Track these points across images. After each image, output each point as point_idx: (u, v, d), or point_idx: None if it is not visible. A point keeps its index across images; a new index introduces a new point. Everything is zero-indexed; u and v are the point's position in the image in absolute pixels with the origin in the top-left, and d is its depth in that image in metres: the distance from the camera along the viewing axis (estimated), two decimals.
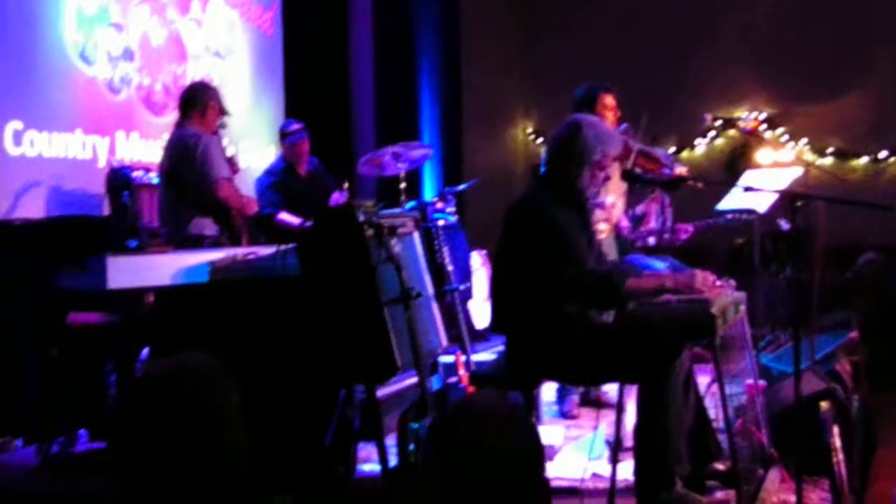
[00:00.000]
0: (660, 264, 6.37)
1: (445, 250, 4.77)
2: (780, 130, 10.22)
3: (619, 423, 3.71)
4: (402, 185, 6.09)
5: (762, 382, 4.80)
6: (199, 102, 5.09)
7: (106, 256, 3.78)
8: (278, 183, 6.39)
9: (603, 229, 4.85)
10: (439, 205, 5.99)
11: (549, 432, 4.83)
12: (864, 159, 9.94)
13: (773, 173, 5.85)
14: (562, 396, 5.36)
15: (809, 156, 10.11)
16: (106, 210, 5.67)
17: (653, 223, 6.88)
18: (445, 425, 1.56)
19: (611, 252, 5.25)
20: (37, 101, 5.57)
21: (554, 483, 3.75)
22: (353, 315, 3.77)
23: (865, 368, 2.30)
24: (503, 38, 10.12)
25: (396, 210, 4.32)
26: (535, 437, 1.58)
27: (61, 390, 4.57)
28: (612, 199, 4.57)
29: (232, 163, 5.21)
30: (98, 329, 4.53)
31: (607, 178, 3.80)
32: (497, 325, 3.85)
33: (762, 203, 5.45)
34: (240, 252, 4.15)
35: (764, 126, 10.23)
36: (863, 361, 2.28)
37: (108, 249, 4.73)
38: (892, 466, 2.29)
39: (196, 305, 3.93)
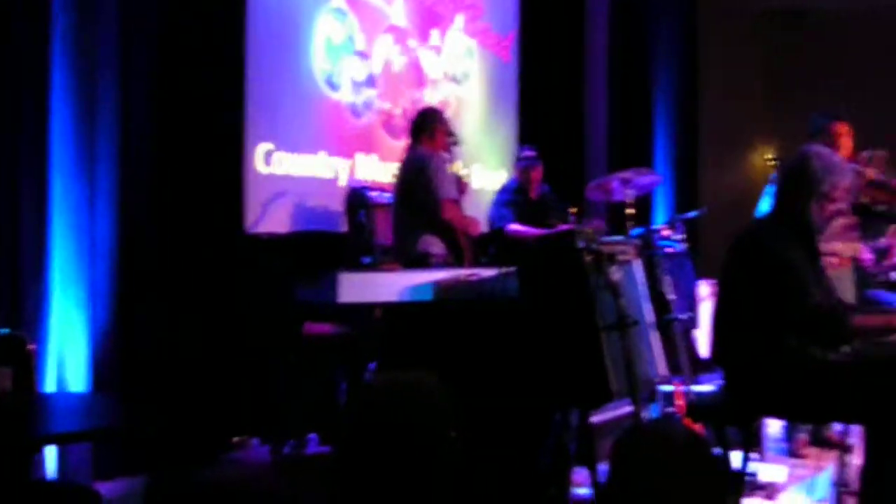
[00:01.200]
0: None
1: (667, 279, 4.71)
2: None
3: (842, 464, 3.56)
4: (630, 210, 6.06)
5: None
6: (427, 127, 5.31)
7: (338, 272, 4.01)
8: (511, 201, 6.57)
9: (834, 262, 4.71)
10: (666, 232, 5.91)
11: (773, 470, 4.69)
12: None
13: None
14: (789, 434, 5.18)
15: None
16: (344, 227, 5.98)
17: None
18: (627, 445, 1.59)
19: (845, 287, 5.07)
20: (286, 125, 5.97)
21: None
22: (570, 340, 3.83)
23: None
24: (742, 60, 9.88)
25: (618, 237, 4.33)
26: (717, 466, 1.58)
27: (296, 395, 4.88)
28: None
29: (461, 184, 5.40)
30: (331, 339, 4.81)
31: (838, 212, 3.68)
32: (717, 356, 3.79)
33: None
34: (463, 273, 4.29)
35: None
36: None
37: (344, 265, 5.05)
38: None
39: (420, 322, 4.10)
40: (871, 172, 4.92)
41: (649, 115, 8.69)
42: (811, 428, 5.11)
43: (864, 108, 9.39)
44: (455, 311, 4.10)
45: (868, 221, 5.14)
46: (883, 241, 6.49)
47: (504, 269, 4.19)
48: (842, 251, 5.05)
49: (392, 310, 4.16)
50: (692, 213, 6.66)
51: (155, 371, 4.66)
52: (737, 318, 3.62)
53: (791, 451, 5.13)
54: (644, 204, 8.20)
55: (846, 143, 4.99)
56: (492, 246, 6.17)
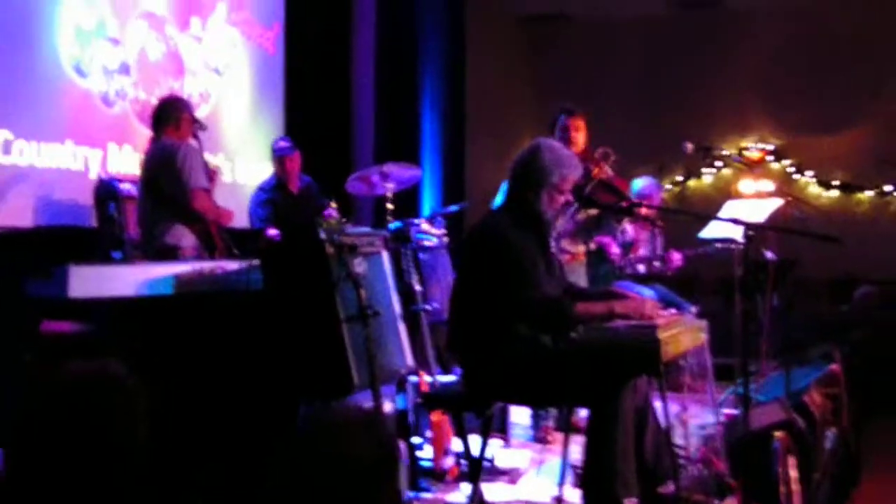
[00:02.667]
0: (648, 292, 6.42)
1: (414, 271, 4.77)
2: (786, 162, 10.22)
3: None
4: (390, 205, 6.11)
5: (734, 411, 4.80)
6: (171, 116, 5.16)
7: (69, 265, 3.83)
8: (269, 199, 6.45)
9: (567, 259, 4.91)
10: (425, 226, 5.99)
11: (516, 456, 4.85)
12: (870, 192, 9.91)
13: (754, 204, 5.83)
14: (536, 421, 5.37)
15: (815, 188, 10.11)
16: (94, 221, 5.72)
17: (643, 250, 6.89)
18: (294, 437, 1.59)
19: (579, 279, 5.30)
20: (28, 112, 5.65)
21: None
22: (312, 331, 3.81)
23: None
24: (509, 58, 10.19)
25: (363, 229, 4.34)
26: (386, 447, 1.60)
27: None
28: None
29: (212, 174, 5.27)
30: (69, 338, 4.57)
31: (567, 202, 3.83)
32: (453, 344, 3.87)
33: (739, 233, 5.43)
34: (206, 265, 4.19)
35: (770, 157, 10.24)
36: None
37: (92, 260, 4.83)
38: (875, 497, 2.30)
39: (159, 317, 3.97)
40: (602, 171, 5.15)
41: (416, 108, 8.81)
42: (557, 414, 5.30)
43: (627, 112, 9.94)
44: (195, 304, 3.99)
45: (598, 219, 5.40)
46: (630, 235, 6.85)
47: (248, 261, 4.12)
48: (571, 248, 5.30)
49: (129, 305, 3.99)
50: (453, 208, 6.78)
51: None
52: (471, 306, 3.71)
53: (537, 437, 5.31)
54: (412, 197, 8.32)
55: (578, 137, 5.21)
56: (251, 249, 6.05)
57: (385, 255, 4.33)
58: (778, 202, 5.77)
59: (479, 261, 3.73)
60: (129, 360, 4.00)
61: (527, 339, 3.61)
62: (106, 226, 5.57)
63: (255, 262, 4.04)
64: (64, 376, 1.95)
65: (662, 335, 3.39)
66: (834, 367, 5.82)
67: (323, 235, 3.78)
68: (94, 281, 3.93)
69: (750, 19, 10.04)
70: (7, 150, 5.51)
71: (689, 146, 5.46)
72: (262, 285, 3.93)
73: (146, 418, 1.96)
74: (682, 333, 3.65)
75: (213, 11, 7.16)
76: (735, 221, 4.34)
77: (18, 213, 5.56)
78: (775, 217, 6.10)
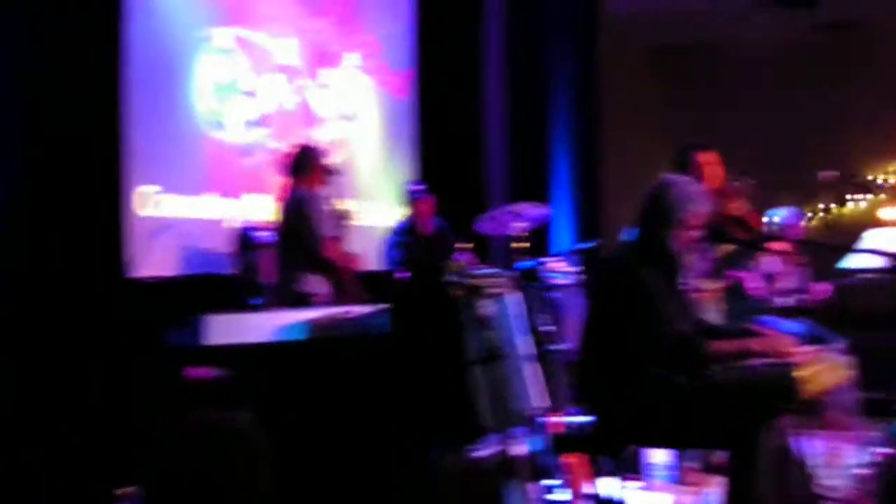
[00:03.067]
0: (793, 327, 6.17)
1: (544, 310, 4.72)
2: None
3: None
4: (520, 244, 6.10)
5: (889, 451, 4.54)
6: (303, 165, 5.29)
7: (204, 315, 3.94)
8: (401, 242, 6.53)
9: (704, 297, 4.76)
10: (557, 264, 5.94)
11: (655, 498, 4.69)
12: None
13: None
14: (678, 462, 5.20)
15: None
16: (232, 269, 5.89)
17: (786, 283, 6.63)
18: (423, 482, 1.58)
19: (716, 316, 5.12)
20: (169, 166, 5.88)
21: None
22: (440, 374, 3.80)
23: None
24: (644, 91, 10.06)
25: (491, 270, 4.32)
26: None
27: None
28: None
29: (343, 217, 5.37)
30: (209, 384, 4.70)
31: (698, 238, 3.71)
32: (583, 385, 3.79)
33: (881, 262, 5.17)
34: (337, 310, 4.24)
35: None
36: None
37: (232, 307, 4.97)
38: None
39: (291, 362, 4.03)
40: (733, 207, 4.98)
41: (549, 145, 8.77)
42: (699, 455, 5.13)
43: (766, 143, 9.68)
44: (327, 348, 4.04)
45: (733, 255, 5.21)
46: (770, 268, 6.60)
47: (378, 305, 4.16)
48: (708, 286, 5.11)
49: (261, 350, 4.08)
50: (586, 245, 6.71)
51: (26, 422, 4.50)
52: (601, 345, 3.63)
53: (679, 478, 5.14)
54: (545, 236, 8.28)
55: (712, 171, 5.04)
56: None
57: (514, 296, 4.29)
58: None
59: (608, 298, 3.66)
60: (262, 405, 4.09)
61: (660, 378, 3.50)
62: (245, 273, 5.75)
63: (385, 306, 4.06)
64: (191, 425, 2.00)
65: (800, 372, 3.24)
66: None
67: (449, 278, 3.78)
68: (227, 328, 4.03)
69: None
70: (153, 204, 5.74)
71: (829, 174, 5.24)
72: (390, 329, 3.94)
73: (269, 468, 1.99)
74: (824, 370, 3.47)
75: (345, 60, 7.33)
76: (872, 252, 4.12)
77: (164, 264, 5.78)
78: None
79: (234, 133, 6.36)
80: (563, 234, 8.79)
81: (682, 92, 10.39)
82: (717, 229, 3.94)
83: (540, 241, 7.89)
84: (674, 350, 3.49)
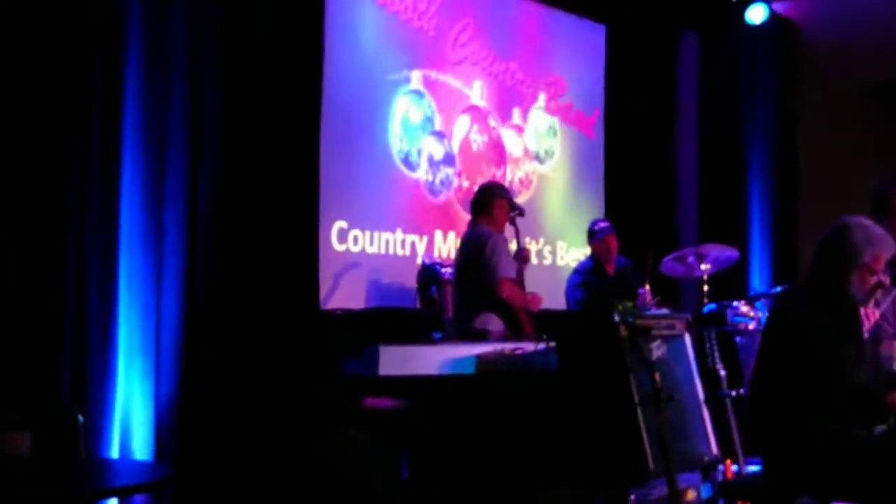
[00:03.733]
0: None
1: (718, 354, 4.61)
2: None
3: None
4: (706, 286, 5.99)
5: None
6: (486, 202, 5.37)
7: (379, 346, 4.09)
8: (584, 282, 6.52)
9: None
10: (744, 308, 5.78)
11: None
12: None
13: None
14: None
15: None
16: (418, 304, 6.07)
17: None
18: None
19: None
20: (362, 203, 6.14)
21: None
22: (606, 415, 3.79)
23: None
24: (847, 128, 9.63)
25: (663, 311, 4.27)
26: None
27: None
28: None
29: (524, 252, 5.43)
30: (388, 414, 4.85)
31: (879, 284, 3.56)
32: (754, 431, 3.68)
33: None
34: (507, 346, 4.30)
35: None
36: None
37: (415, 340, 5.13)
38: None
39: (457, 396, 4.12)
40: None
41: (743, 185, 8.54)
42: None
43: None
44: (492, 383, 4.11)
45: None
46: None
47: (547, 343, 4.19)
48: None
49: (432, 382, 4.19)
50: (776, 289, 6.49)
51: (216, 445, 4.79)
52: (771, 391, 3.53)
53: None
54: (738, 278, 8.05)
55: None
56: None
57: (687, 339, 4.23)
58: None
59: (780, 343, 3.56)
60: (431, 436, 4.20)
61: (836, 430, 3.36)
62: (428, 308, 5.91)
63: (553, 343, 4.09)
64: (317, 446, 2.10)
65: None
66: None
67: (616, 318, 3.77)
68: (401, 360, 4.16)
69: None
70: (342, 239, 6.01)
71: None
72: (557, 367, 3.97)
73: (387, 487, 2.04)
74: None
75: (535, 101, 7.44)
76: None
77: (351, 297, 6.03)
78: None
79: (424, 171, 6.57)
80: (759, 278, 8.53)
81: (888, 132, 9.89)
82: None
83: (734, 283, 7.70)
84: (850, 400, 3.35)
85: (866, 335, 4.96)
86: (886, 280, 3.61)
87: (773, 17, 8.30)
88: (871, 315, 5.61)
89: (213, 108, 5.09)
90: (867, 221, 3.67)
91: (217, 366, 4.94)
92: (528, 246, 5.84)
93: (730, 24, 8.19)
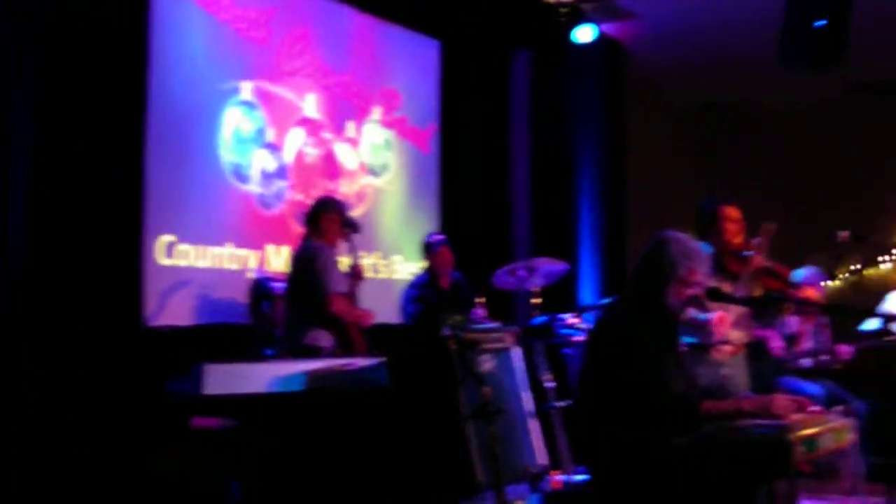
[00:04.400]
0: (814, 388, 6.06)
1: (546, 366, 4.68)
2: None
3: None
4: (536, 299, 6.08)
5: None
6: (315, 217, 5.31)
7: (203, 364, 3.96)
8: (419, 296, 6.52)
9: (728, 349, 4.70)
10: (572, 320, 5.91)
11: None
12: None
13: None
14: None
15: None
16: (249, 319, 5.93)
17: (807, 343, 6.53)
18: None
19: (739, 372, 5.05)
20: (191, 216, 5.96)
21: None
22: (436, 428, 3.78)
23: None
24: (673, 148, 10.04)
25: (493, 325, 4.31)
26: None
27: (181, 493, 4.75)
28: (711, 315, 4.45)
29: (356, 270, 5.38)
30: (216, 434, 4.71)
31: (695, 295, 3.68)
32: (578, 443, 3.74)
33: None
34: (337, 362, 4.24)
35: None
36: None
37: (245, 357, 5.00)
38: None
39: (286, 413, 4.03)
40: (761, 260, 4.91)
41: (574, 201, 8.76)
42: None
43: (804, 202, 9.62)
44: (322, 400, 4.04)
45: (761, 308, 5.13)
46: (793, 328, 6.51)
47: (379, 358, 4.16)
48: (735, 339, 5.02)
49: (260, 401, 4.09)
50: (604, 301, 6.66)
51: (26, 468, 4.54)
52: (595, 403, 3.59)
53: None
54: (569, 291, 8.24)
55: (734, 227, 5.00)
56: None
57: (516, 351, 4.28)
58: None
59: (603, 355, 3.62)
60: (263, 455, 4.10)
61: (652, 438, 3.45)
62: (260, 324, 5.79)
63: (384, 359, 4.06)
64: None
65: (795, 435, 3.18)
66: None
67: (446, 332, 3.77)
68: (227, 378, 4.05)
69: None
70: (170, 254, 5.81)
71: (844, 234, 5.18)
72: (388, 382, 3.94)
73: None
74: (823, 433, 3.40)
75: (369, 115, 7.42)
76: (864, 313, 4.05)
77: (180, 313, 5.83)
78: None
79: (257, 184, 6.44)
80: (588, 291, 8.76)
81: (708, 152, 10.37)
82: (716, 289, 3.90)
83: (565, 296, 7.87)
84: (667, 409, 3.44)
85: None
86: (699, 293, 3.72)
87: (602, 38, 8.54)
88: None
89: (26, 112, 4.84)
90: (684, 236, 3.78)
91: (28, 385, 4.68)
92: (362, 260, 5.78)
93: (560, 43, 8.37)
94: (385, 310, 6.32)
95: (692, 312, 4.78)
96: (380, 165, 7.50)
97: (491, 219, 8.26)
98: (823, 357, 6.43)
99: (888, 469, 4.51)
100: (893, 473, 4.94)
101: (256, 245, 6.41)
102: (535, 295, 6.14)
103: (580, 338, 5.81)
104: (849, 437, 3.65)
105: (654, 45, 9.07)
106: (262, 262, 6.40)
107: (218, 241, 6.15)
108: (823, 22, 7.10)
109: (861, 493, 3.68)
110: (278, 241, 6.55)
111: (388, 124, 7.55)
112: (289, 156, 6.72)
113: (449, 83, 7.99)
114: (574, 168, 8.82)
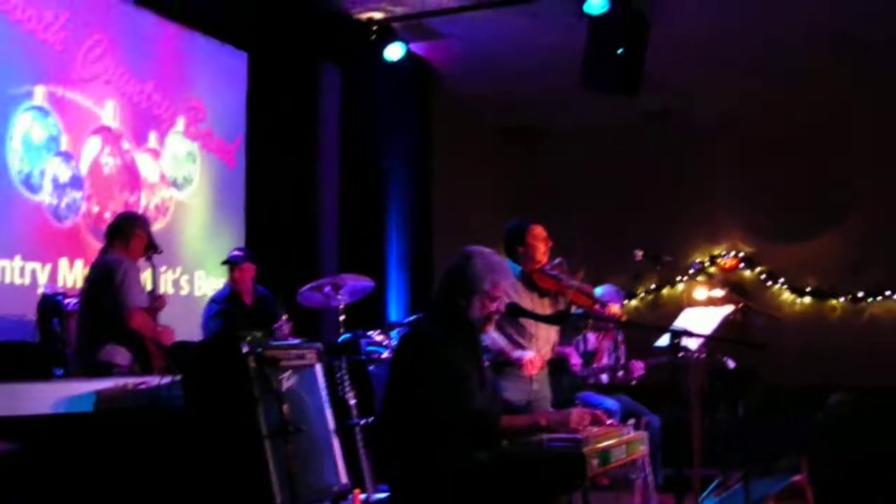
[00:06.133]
0: (611, 402, 6.27)
1: (348, 383, 4.63)
2: (758, 269, 10.17)
3: None
4: (342, 316, 6.02)
5: None
6: (123, 231, 5.10)
7: None
8: (221, 311, 6.35)
9: (535, 363, 4.79)
10: (379, 337, 5.88)
11: None
12: (843, 299, 9.83)
13: (706, 312, 5.74)
14: None
15: (788, 295, 10.03)
16: (37, 337, 5.60)
17: (605, 360, 6.76)
18: None
19: (545, 387, 5.16)
20: None
21: None
22: (233, 448, 3.67)
23: None
24: (478, 168, 10.21)
25: (294, 342, 4.22)
26: None
27: None
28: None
29: (158, 300, 5.18)
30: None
31: (498, 311, 3.73)
32: (381, 459, 3.72)
33: (693, 342, 5.32)
34: (131, 381, 4.06)
35: (742, 265, 10.20)
36: None
37: (34, 376, 4.70)
38: None
39: (74, 436, 3.82)
40: (568, 278, 5.04)
41: (383, 219, 8.79)
42: None
43: (597, 221, 9.96)
44: (113, 421, 3.85)
45: (564, 324, 5.26)
46: (591, 344, 6.73)
47: (174, 376, 4.00)
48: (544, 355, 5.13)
49: (45, 423, 3.85)
50: (410, 318, 6.67)
51: None
52: (398, 419, 3.57)
53: None
54: (377, 308, 8.24)
55: (542, 245, 5.12)
56: None
57: (319, 369, 4.21)
58: (727, 309, 5.67)
59: (406, 372, 3.60)
60: (48, 479, 3.86)
61: (453, 454, 3.45)
62: (48, 341, 5.48)
63: (180, 377, 3.91)
64: None
65: (589, 448, 3.25)
66: (798, 478, 5.65)
67: (245, 349, 3.66)
68: (9, 399, 3.79)
69: (718, 128, 10.11)
70: None
71: (639, 254, 5.39)
72: (184, 401, 3.79)
73: None
74: (616, 445, 3.50)
75: (173, 125, 7.18)
76: (662, 329, 4.22)
77: None
78: (735, 324, 6.02)
79: (48, 194, 6.10)
80: (396, 308, 8.78)
81: (514, 172, 10.62)
82: (515, 305, 3.96)
83: (373, 314, 7.85)
84: (466, 425, 3.46)
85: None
86: (502, 307, 3.76)
87: (411, 57, 8.61)
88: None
89: None
90: (488, 250, 3.82)
91: None
92: (163, 275, 5.59)
93: (370, 60, 8.37)
94: (186, 327, 6.11)
95: (505, 349, 4.87)
96: (182, 178, 7.27)
97: (298, 235, 8.15)
98: (619, 373, 6.66)
99: (679, 481, 4.69)
100: (684, 485, 5.15)
101: (47, 258, 6.07)
102: (342, 312, 6.08)
103: (385, 355, 5.80)
104: (641, 450, 3.78)
105: (463, 66, 9.22)
106: (52, 277, 6.07)
107: (5, 254, 5.80)
108: (621, 50, 7.42)
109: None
110: (71, 255, 6.23)
111: (192, 136, 7.34)
112: (84, 165, 6.41)
113: (256, 96, 7.84)
114: (382, 185, 8.85)
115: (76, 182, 6.33)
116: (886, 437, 8.17)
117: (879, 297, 9.67)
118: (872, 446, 8.09)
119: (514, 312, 3.91)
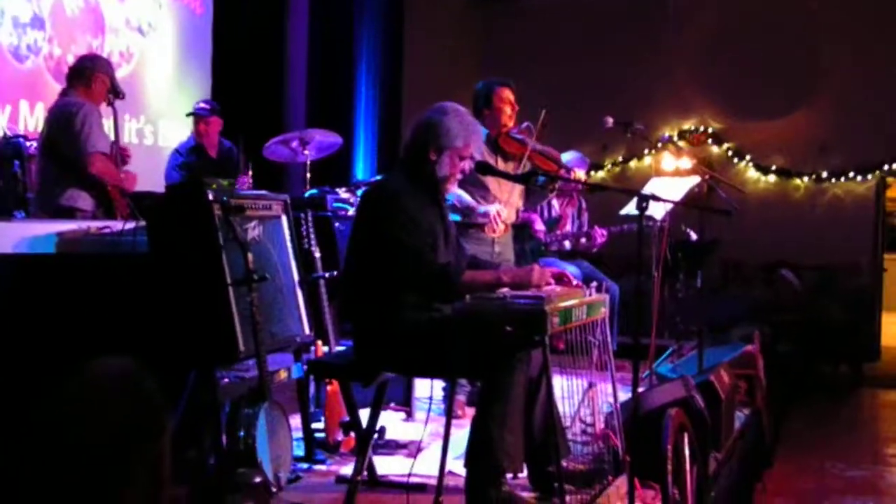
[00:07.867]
0: (572, 268, 6.34)
1: (314, 237, 4.62)
2: (726, 146, 10.20)
3: None
4: (308, 173, 5.98)
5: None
6: (85, 74, 4.95)
7: None
8: (185, 163, 6.28)
9: (499, 228, 4.81)
10: (344, 194, 5.85)
11: (419, 429, 4.73)
12: (807, 178, 9.92)
13: (673, 182, 5.75)
14: (447, 394, 5.26)
15: (754, 172, 10.10)
16: None
17: (569, 227, 6.79)
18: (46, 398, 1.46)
19: (507, 251, 5.19)
20: None
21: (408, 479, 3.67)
22: (198, 295, 3.66)
23: None
24: (450, 32, 10.04)
25: (261, 192, 4.18)
26: (144, 406, 1.49)
27: None
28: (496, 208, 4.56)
29: (123, 153, 5.08)
30: None
31: (463, 171, 3.70)
32: (344, 312, 3.75)
33: (659, 211, 5.34)
34: (93, 225, 4.02)
35: (710, 140, 10.23)
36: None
37: None
38: (787, 477, 2.21)
39: (34, 276, 3.80)
40: (534, 142, 5.02)
41: (352, 75, 8.64)
42: (469, 389, 5.21)
43: (569, 91, 9.86)
44: (75, 264, 3.83)
45: (530, 185, 5.26)
46: (555, 211, 6.75)
47: (137, 222, 3.97)
48: (507, 219, 5.13)
49: (5, 261, 3.82)
50: (377, 177, 6.65)
51: None
52: (361, 271, 3.58)
53: (448, 411, 5.20)
54: (345, 166, 8.19)
55: (507, 109, 5.07)
56: None
57: (284, 221, 4.19)
58: (694, 180, 5.69)
59: (369, 224, 3.59)
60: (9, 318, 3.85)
61: (415, 307, 3.48)
62: (10, 184, 5.38)
63: (143, 223, 3.88)
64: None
65: (550, 306, 3.28)
66: (750, 348, 5.79)
67: (210, 196, 3.62)
68: None
69: (691, 3, 9.99)
70: None
71: (610, 120, 5.34)
72: (148, 247, 3.77)
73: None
74: (577, 306, 3.53)
75: None
76: (630, 192, 4.23)
77: None
78: (701, 197, 6.05)
79: (7, 34, 5.92)
80: (364, 168, 8.73)
81: (487, 39, 10.45)
82: (485, 163, 3.94)
83: (341, 171, 7.81)
84: (428, 278, 3.47)
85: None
86: (467, 168, 3.74)
87: None
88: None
89: None
90: (463, 109, 3.77)
91: None
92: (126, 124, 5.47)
93: None
94: (150, 178, 6.04)
95: (471, 204, 4.87)
96: (147, 24, 7.07)
97: (266, 87, 8.01)
98: (582, 240, 6.70)
99: (634, 349, 4.78)
100: (638, 353, 5.25)
101: (7, 100, 5.95)
102: (308, 168, 6.04)
103: (351, 212, 5.78)
104: (602, 311, 3.82)
105: None
106: (12, 119, 5.95)
107: None
108: None
109: (609, 369, 3.87)
110: (32, 98, 6.10)
111: None
112: (46, 6, 6.20)
113: None
114: (353, 45, 8.66)
115: (37, 22, 6.14)
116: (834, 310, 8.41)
117: (843, 179, 9.77)
118: (820, 318, 8.33)
119: (484, 170, 3.88)
